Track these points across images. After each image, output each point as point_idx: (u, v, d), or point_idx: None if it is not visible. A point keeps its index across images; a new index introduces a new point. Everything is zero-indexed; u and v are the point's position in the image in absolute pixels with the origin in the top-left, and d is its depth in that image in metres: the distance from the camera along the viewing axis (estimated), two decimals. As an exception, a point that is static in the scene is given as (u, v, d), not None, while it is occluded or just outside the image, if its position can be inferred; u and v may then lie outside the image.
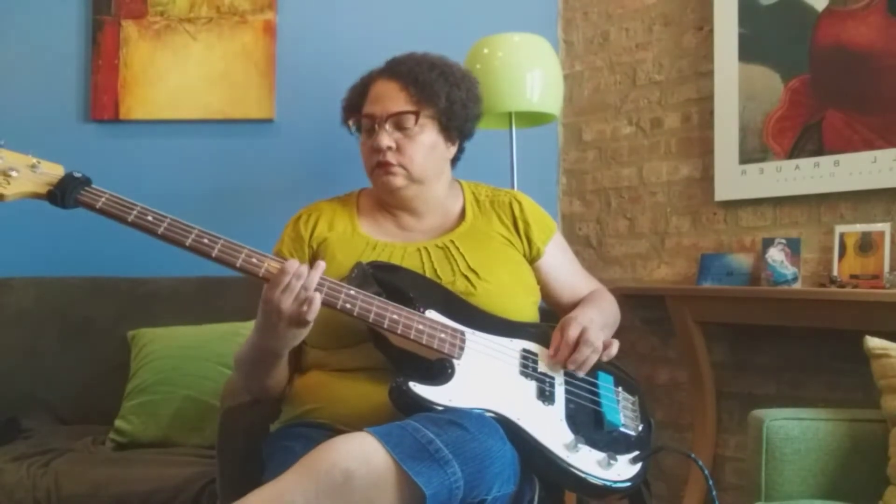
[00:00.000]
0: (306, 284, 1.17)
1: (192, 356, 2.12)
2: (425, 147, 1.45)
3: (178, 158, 2.62)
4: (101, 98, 2.62)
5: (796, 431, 1.48)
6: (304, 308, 1.17)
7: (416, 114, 1.43)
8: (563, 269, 1.57)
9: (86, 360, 2.29)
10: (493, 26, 2.33)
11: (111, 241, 2.55)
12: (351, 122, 1.50)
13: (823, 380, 2.16)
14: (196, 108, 2.63)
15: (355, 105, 1.51)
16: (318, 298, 1.17)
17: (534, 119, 2.43)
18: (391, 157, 1.42)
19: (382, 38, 2.63)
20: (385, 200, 1.52)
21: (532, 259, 1.52)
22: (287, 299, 1.16)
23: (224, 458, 1.58)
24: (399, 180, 1.44)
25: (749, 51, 2.30)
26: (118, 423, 2.06)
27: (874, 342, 1.48)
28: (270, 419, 1.46)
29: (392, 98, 1.44)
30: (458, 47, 2.24)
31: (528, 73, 2.23)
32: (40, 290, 2.37)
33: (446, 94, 1.45)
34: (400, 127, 1.43)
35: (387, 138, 1.42)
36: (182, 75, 2.62)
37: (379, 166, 1.44)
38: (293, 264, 1.18)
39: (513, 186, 2.33)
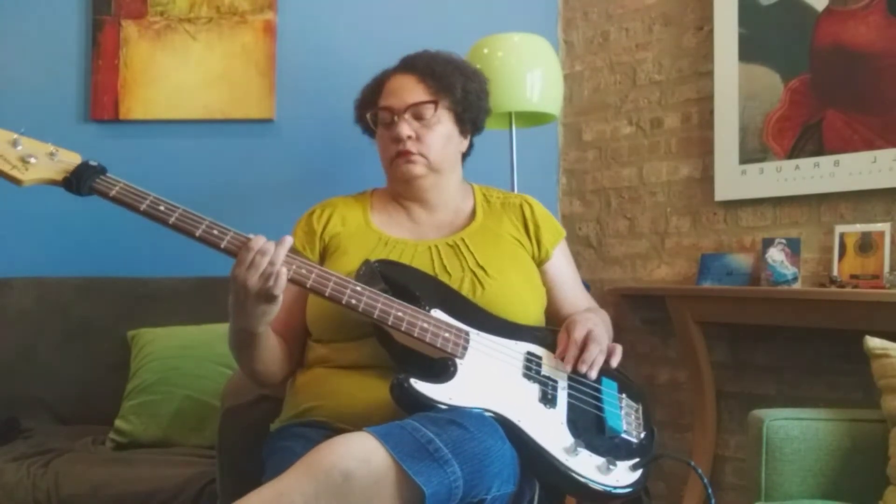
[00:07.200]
0: (272, 260, 1.18)
1: (192, 356, 2.12)
2: (443, 136, 1.49)
3: (178, 158, 2.62)
4: (101, 98, 2.61)
5: (796, 431, 1.48)
6: (271, 283, 1.18)
7: (435, 103, 1.47)
8: (567, 277, 1.57)
9: (86, 360, 2.29)
10: (493, 26, 2.33)
11: (111, 241, 2.56)
12: (368, 116, 1.52)
13: (823, 380, 2.16)
14: (196, 108, 2.63)
15: (370, 102, 1.53)
16: (283, 273, 1.18)
17: (534, 119, 2.43)
18: (411, 146, 1.45)
19: (382, 38, 2.64)
20: (400, 192, 1.53)
21: (540, 261, 1.53)
22: (253, 276, 1.17)
23: (224, 457, 1.58)
24: (419, 168, 1.47)
25: (749, 51, 2.30)
26: (118, 423, 2.06)
27: (874, 342, 1.48)
28: (270, 419, 1.46)
29: (410, 90, 1.47)
30: (458, 47, 2.22)
31: (528, 73, 2.23)
32: (40, 290, 2.37)
33: (462, 85, 1.50)
34: (418, 117, 1.47)
35: (406, 128, 1.45)
36: (182, 75, 2.62)
37: (399, 155, 1.46)
38: (258, 241, 1.19)
39: (513, 186, 2.33)
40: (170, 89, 2.62)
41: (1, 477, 1.77)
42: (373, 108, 1.52)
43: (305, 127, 2.65)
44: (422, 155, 1.46)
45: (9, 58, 2.65)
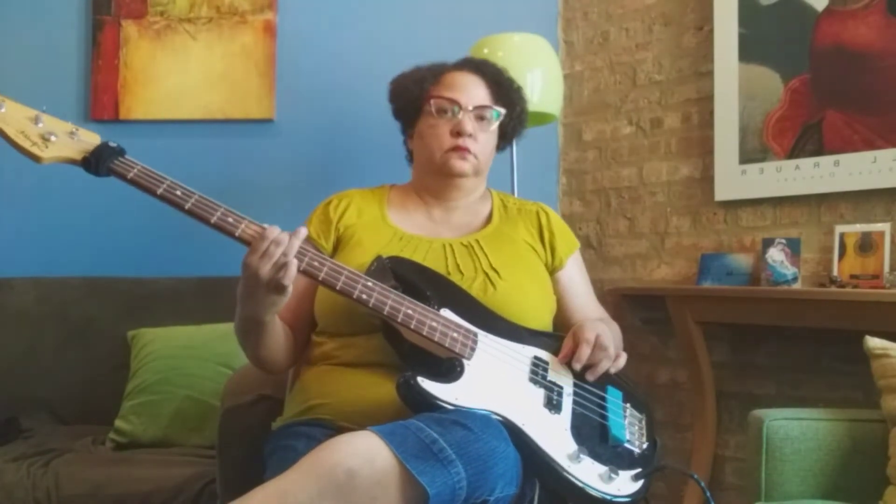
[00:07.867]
0: (286, 251, 1.18)
1: (192, 356, 2.12)
2: (491, 143, 1.54)
3: (178, 158, 2.61)
4: (101, 98, 2.62)
5: (796, 431, 1.48)
6: (282, 274, 1.18)
7: (500, 111, 1.52)
8: (579, 287, 1.57)
9: (86, 360, 2.29)
10: (493, 26, 2.33)
11: (111, 241, 2.57)
12: (432, 101, 1.50)
13: (823, 380, 2.16)
14: (196, 108, 2.63)
15: (425, 89, 1.53)
16: (293, 264, 1.18)
17: (534, 119, 2.42)
18: (470, 144, 1.48)
19: (382, 38, 2.64)
20: (430, 185, 1.54)
21: (553, 269, 1.53)
22: (265, 265, 1.17)
23: (224, 457, 1.58)
24: (468, 166, 1.49)
25: (749, 51, 2.30)
26: (118, 423, 2.06)
27: (874, 342, 1.49)
28: (270, 419, 1.45)
29: (478, 91, 1.51)
30: (458, 47, 2.23)
31: (528, 73, 2.23)
32: (40, 290, 2.37)
33: (520, 104, 1.59)
34: (479, 118, 1.50)
35: (470, 125, 1.47)
36: (182, 75, 2.62)
37: (456, 149, 1.48)
38: (273, 231, 1.19)
39: (513, 186, 2.33)
40: (170, 89, 2.62)
41: (1, 477, 1.78)
42: (428, 95, 1.51)
43: (305, 127, 2.65)
44: (475, 155, 1.49)
45: (9, 58, 2.65)
